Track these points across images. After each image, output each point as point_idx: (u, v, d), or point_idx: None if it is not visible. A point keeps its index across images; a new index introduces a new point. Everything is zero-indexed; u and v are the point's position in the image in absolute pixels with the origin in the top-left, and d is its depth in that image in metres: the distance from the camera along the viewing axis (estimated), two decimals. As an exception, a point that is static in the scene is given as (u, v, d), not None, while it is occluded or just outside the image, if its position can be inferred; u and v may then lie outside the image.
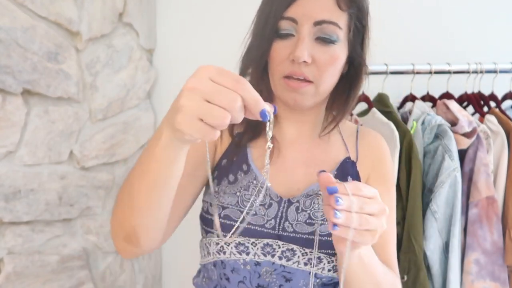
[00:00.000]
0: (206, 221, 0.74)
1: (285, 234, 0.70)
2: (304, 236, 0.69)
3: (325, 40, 0.67)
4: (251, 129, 0.75)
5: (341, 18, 0.67)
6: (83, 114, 1.16)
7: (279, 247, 0.70)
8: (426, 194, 1.12)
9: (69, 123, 1.11)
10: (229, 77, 0.46)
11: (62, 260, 1.12)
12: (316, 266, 0.70)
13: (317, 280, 0.72)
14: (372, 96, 1.25)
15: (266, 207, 0.71)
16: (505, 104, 1.30)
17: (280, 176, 0.74)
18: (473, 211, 1.08)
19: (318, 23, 0.66)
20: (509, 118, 1.17)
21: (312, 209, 0.70)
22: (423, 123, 1.14)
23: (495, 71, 1.21)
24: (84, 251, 1.19)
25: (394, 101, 1.26)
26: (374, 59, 1.23)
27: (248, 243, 0.70)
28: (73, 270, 1.15)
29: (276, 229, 0.70)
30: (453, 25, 1.45)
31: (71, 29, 1.07)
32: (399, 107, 1.29)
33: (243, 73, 0.78)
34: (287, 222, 0.70)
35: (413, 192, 1.08)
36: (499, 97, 1.27)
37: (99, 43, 1.19)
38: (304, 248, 0.70)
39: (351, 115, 1.22)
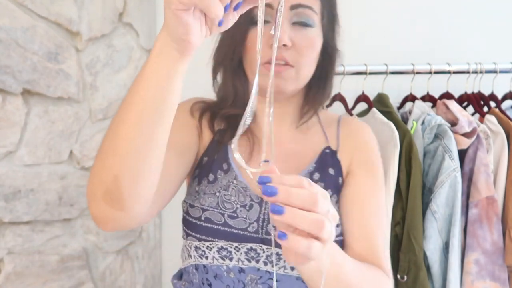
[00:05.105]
0: (187, 223, 0.70)
1: (269, 237, 0.66)
2: None
3: (302, 24, 0.68)
4: (232, 127, 0.73)
5: (315, 3, 0.69)
6: (83, 114, 1.16)
7: (264, 252, 0.66)
8: (426, 194, 1.12)
9: (69, 123, 1.11)
10: None
11: (62, 260, 1.12)
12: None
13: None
14: (372, 96, 1.25)
15: (247, 208, 0.67)
16: (505, 104, 1.30)
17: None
18: (473, 211, 1.08)
19: (294, 7, 0.66)
20: (509, 118, 1.17)
21: None
22: (423, 123, 1.14)
23: (495, 71, 1.21)
24: (84, 251, 1.20)
25: (394, 101, 1.26)
26: (374, 59, 1.24)
27: (231, 247, 0.66)
28: (73, 270, 1.15)
29: (260, 233, 0.67)
30: (453, 25, 1.45)
31: (71, 29, 1.07)
32: (399, 107, 1.29)
33: (216, 70, 0.76)
34: (270, 225, 0.66)
35: (413, 192, 1.08)
36: (499, 97, 1.27)
37: (99, 43, 1.19)
38: None
39: (351, 115, 1.22)
